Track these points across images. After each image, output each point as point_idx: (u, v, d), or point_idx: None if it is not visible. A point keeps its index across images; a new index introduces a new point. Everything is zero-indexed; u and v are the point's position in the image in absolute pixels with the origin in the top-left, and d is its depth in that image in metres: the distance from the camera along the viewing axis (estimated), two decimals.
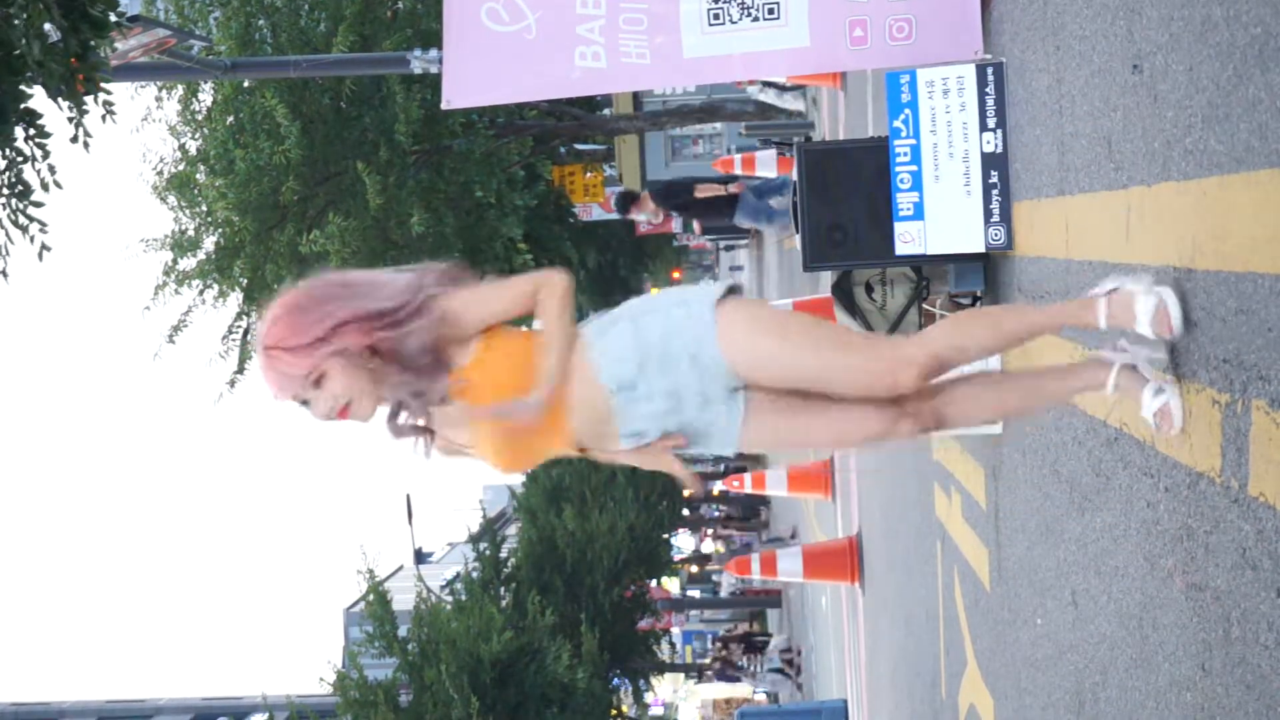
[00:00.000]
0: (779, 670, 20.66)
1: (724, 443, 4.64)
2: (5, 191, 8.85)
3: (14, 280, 9.14)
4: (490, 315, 4.61)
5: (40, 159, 8.90)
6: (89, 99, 8.97)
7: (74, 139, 9.00)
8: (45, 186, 8.89)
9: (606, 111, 29.05)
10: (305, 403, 4.49)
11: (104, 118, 9.22)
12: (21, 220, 8.85)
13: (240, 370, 21.21)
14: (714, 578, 56.56)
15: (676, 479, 4.79)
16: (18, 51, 8.49)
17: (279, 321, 4.46)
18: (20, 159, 8.88)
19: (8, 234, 8.92)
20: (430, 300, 4.53)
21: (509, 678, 24.94)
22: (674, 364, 4.54)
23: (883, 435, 4.61)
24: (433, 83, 17.37)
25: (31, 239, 8.84)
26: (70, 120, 8.96)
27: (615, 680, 33.46)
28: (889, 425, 4.59)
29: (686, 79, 8.42)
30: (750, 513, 50.90)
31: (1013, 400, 4.90)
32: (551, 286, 4.62)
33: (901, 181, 7.21)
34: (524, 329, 4.74)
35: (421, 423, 4.62)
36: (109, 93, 9.22)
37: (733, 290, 4.65)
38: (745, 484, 21.61)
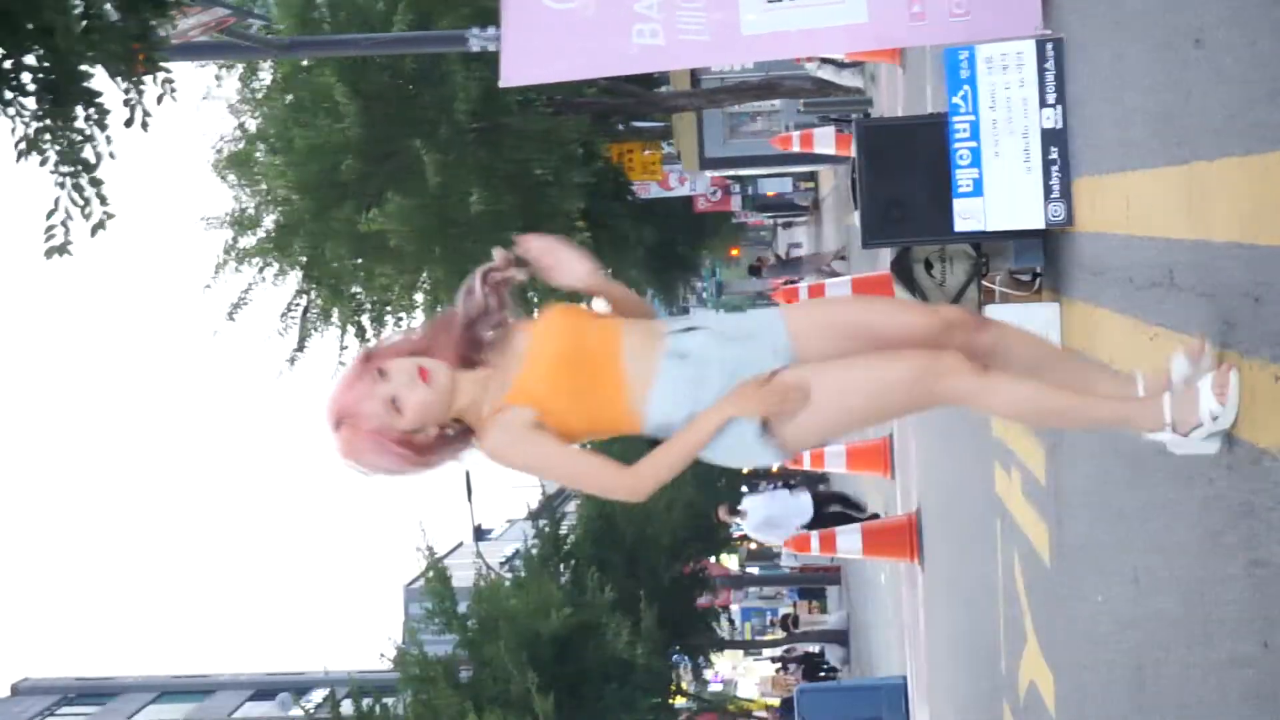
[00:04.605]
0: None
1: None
2: (65, 169, 8.92)
3: (78, 255, 9.20)
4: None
5: (100, 134, 8.97)
6: (149, 78, 9.04)
7: (128, 122, 9.07)
8: (99, 160, 8.97)
9: (664, 89, 29.03)
10: (393, 402, 4.48)
11: (160, 98, 9.29)
12: (82, 197, 8.92)
13: (300, 347, 21.34)
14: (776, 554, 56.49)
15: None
16: (78, 32, 8.56)
17: (332, 398, 4.60)
18: (80, 138, 8.95)
19: (68, 212, 9.00)
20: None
21: (568, 654, 24.98)
22: (735, 340, 4.59)
23: (926, 396, 4.51)
24: (491, 60, 17.40)
25: (89, 215, 8.91)
26: (126, 103, 9.02)
27: (674, 657, 33.51)
28: (934, 380, 4.49)
29: (744, 56, 8.42)
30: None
31: (1058, 399, 4.69)
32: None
33: (961, 158, 7.18)
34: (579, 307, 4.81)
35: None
36: (169, 71, 9.28)
37: None
38: (804, 460, 21.52)
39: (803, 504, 23.38)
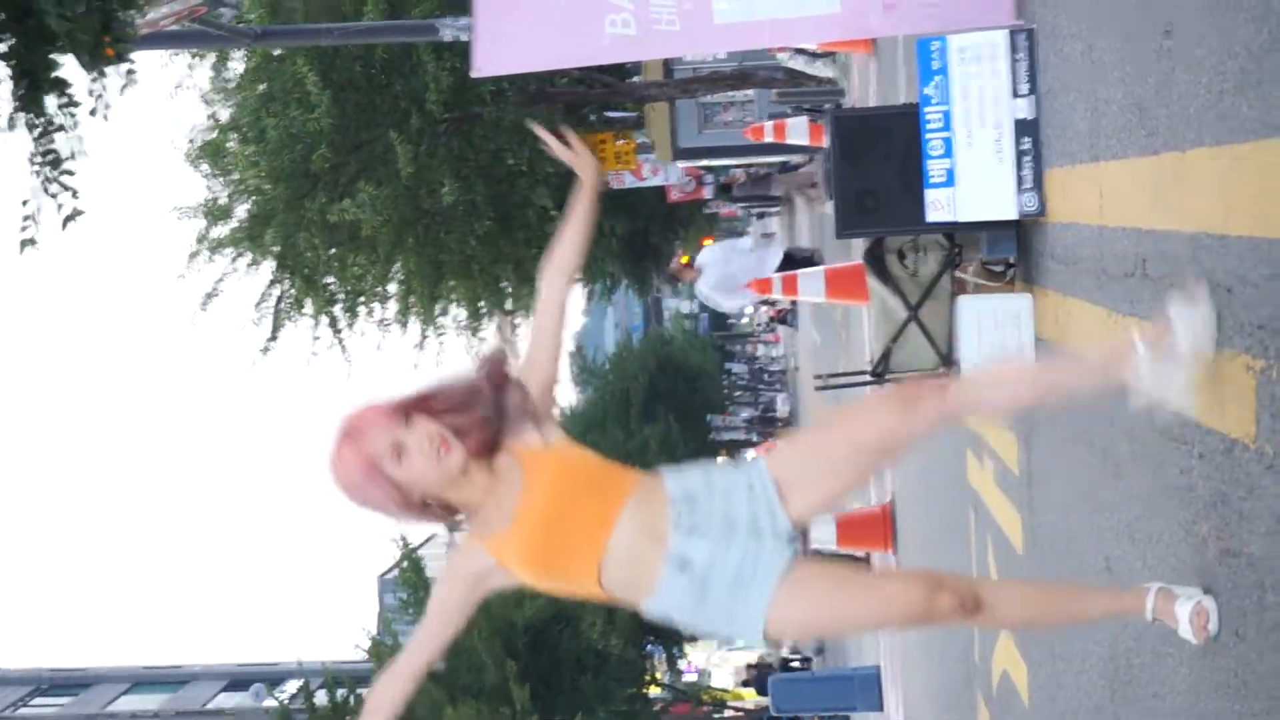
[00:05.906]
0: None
1: (760, 591, 4.41)
2: (39, 159, 8.90)
3: (50, 246, 9.19)
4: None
5: (71, 128, 8.96)
6: (110, 68, 9.02)
7: (93, 112, 9.06)
8: (73, 155, 8.95)
9: (637, 79, 28.98)
10: (399, 451, 4.36)
11: (124, 88, 9.27)
12: (53, 188, 8.90)
13: (273, 337, 21.30)
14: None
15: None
16: (48, 20, 8.52)
17: (357, 410, 4.50)
18: (52, 127, 8.93)
19: (39, 204, 8.97)
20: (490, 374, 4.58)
21: (542, 644, 25.00)
22: (733, 490, 4.50)
23: (923, 611, 4.37)
24: (463, 50, 17.36)
25: (60, 206, 8.89)
26: (91, 93, 9.01)
27: (649, 647, 33.51)
28: (928, 596, 4.36)
29: (716, 45, 8.42)
30: None
31: (1050, 607, 4.78)
32: None
33: (933, 148, 7.19)
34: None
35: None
36: (131, 61, 9.26)
37: None
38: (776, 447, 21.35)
39: (769, 263, 21.25)
